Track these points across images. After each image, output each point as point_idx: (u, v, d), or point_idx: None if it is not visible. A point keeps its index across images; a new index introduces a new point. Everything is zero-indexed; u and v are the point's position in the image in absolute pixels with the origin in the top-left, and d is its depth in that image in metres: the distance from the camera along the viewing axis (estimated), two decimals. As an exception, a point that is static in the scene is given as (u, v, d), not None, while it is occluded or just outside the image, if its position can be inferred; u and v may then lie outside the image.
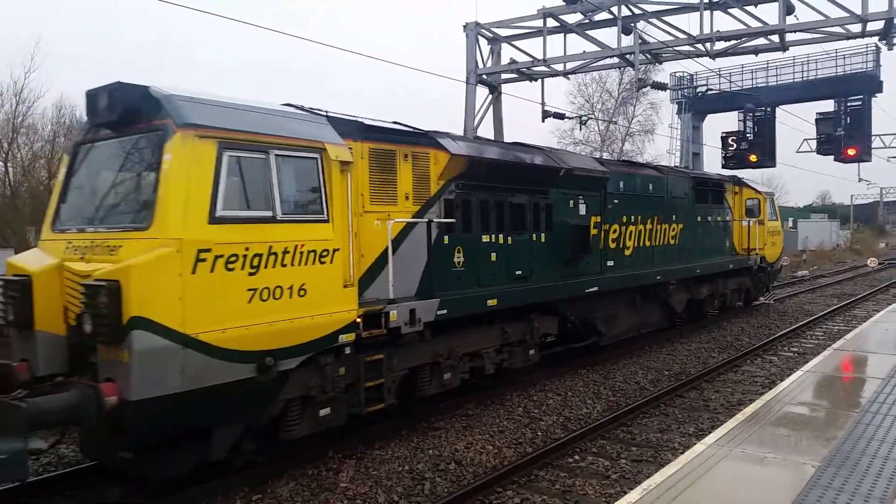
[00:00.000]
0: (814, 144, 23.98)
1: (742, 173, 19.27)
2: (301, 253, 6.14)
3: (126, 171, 6.15)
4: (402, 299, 7.35)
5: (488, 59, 18.76)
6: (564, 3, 16.14)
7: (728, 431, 5.67)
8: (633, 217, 12.22)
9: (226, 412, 5.77)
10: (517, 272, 9.32)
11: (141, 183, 5.93)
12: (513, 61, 18.54)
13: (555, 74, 18.64)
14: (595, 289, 10.84)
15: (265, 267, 5.81)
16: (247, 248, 5.69)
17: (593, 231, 10.95)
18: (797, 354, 12.27)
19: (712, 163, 30.00)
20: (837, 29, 15.23)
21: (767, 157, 23.74)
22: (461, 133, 17.64)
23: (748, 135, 22.93)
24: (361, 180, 7.07)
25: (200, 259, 5.37)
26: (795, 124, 26.68)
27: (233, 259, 5.60)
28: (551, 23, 17.12)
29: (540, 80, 18.85)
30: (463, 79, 18.48)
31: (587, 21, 17.04)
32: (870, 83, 22.91)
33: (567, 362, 10.99)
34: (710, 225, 15.33)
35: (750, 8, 15.38)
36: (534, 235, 9.72)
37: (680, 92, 26.64)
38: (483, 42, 18.57)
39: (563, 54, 17.77)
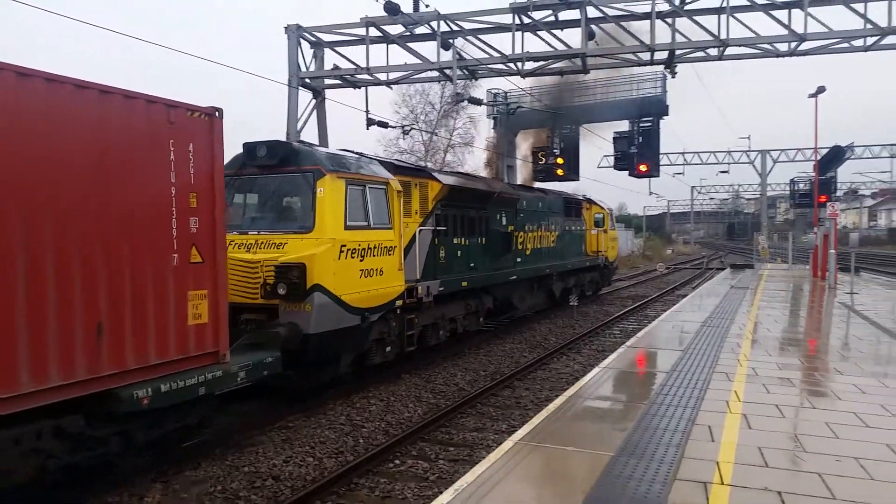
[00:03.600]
0: (612, 160, 26.31)
1: (550, 185, 20.85)
2: (381, 248, 9.92)
3: (286, 195, 9.55)
4: (418, 280, 11.12)
5: (311, 63, 18.47)
6: (386, 14, 16.30)
7: (534, 428, 6.01)
8: (531, 226, 16.94)
9: (347, 344, 9.38)
10: (471, 264, 13.46)
11: (302, 202, 9.30)
12: (336, 67, 18.40)
13: (378, 83, 18.77)
14: (514, 277, 15.47)
15: (366, 257, 9.54)
16: (358, 244, 9.37)
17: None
18: (597, 352, 13.37)
19: (525, 175, 31.97)
20: (630, 56, 16.87)
21: (572, 171, 25.71)
22: (284, 137, 17.19)
23: (556, 150, 24.67)
24: (396, 202, 10.75)
25: (341, 251, 9.04)
26: (597, 142, 29.18)
27: (353, 251, 9.27)
28: (374, 32, 17.23)
29: (364, 88, 18.89)
30: (285, 81, 18.02)
31: (408, 33, 17.35)
32: (658, 106, 25.57)
33: (391, 368, 11.08)
34: (574, 233, 20.61)
35: (557, 32, 16.56)
36: (480, 239, 13.90)
37: (495, 108, 27.98)
38: (306, 46, 18.26)
39: (385, 64, 17.96)
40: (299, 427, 8.26)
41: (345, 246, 9.06)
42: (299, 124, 18.24)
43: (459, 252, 12.96)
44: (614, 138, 24.24)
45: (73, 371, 5.25)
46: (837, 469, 4.90)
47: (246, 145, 9.63)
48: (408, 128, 24.06)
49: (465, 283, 12.87)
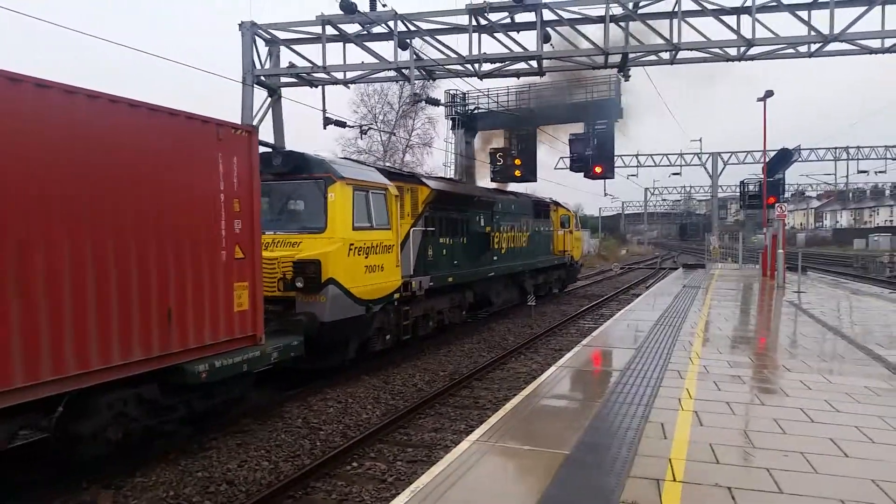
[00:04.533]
0: (568, 162, 26.65)
1: (510, 187, 21.05)
2: (382, 246, 11.11)
3: (301, 199, 10.52)
4: (412, 276, 12.51)
5: (266, 60, 18.22)
6: (343, 13, 16.19)
7: (491, 427, 6.04)
8: (505, 227, 18.19)
9: (354, 331, 10.64)
10: (455, 262, 14.68)
11: (314, 206, 10.29)
12: (292, 65, 18.18)
13: (335, 82, 18.62)
14: (492, 274, 16.88)
15: (370, 254, 10.73)
16: (363, 243, 10.56)
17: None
18: (554, 351, 13.51)
19: (482, 176, 32.09)
20: (585, 59, 17.10)
21: (530, 172, 25.95)
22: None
23: (513, 151, 24.85)
24: (392, 205, 11.93)
25: (350, 249, 10.22)
26: (554, 143, 29.49)
27: (359, 249, 10.46)
28: (330, 30, 17.09)
29: (321, 87, 18.72)
30: (239, 78, 17.74)
31: (365, 32, 17.25)
32: (612, 109, 26.03)
33: (350, 370, 11.01)
34: (543, 233, 21.91)
35: (513, 34, 16.67)
36: (462, 239, 15.17)
37: (453, 108, 28.06)
38: (261, 43, 18.00)
39: (342, 63, 17.83)
40: (255, 431, 8.13)
41: (353, 244, 10.34)
42: (254, 122, 17.97)
43: (445, 251, 14.32)
44: (570, 140, 24.58)
45: (150, 348, 6.38)
46: (785, 464, 5.05)
47: (262, 154, 9.95)
48: (366, 127, 23.96)
49: (450, 279, 14.27)
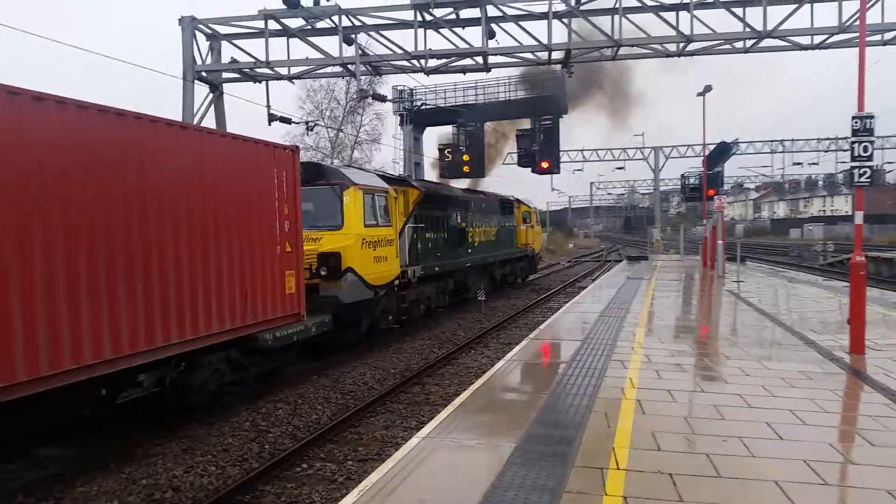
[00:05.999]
0: (516, 157, 26.89)
1: (458, 183, 21.17)
2: (385, 240, 13.15)
3: (320, 202, 12.22)
4: (406, 265, 14.52)
5: (207, 56, 17.82)
6: (286, 7, 15.95)
7: (441, 422, 6.07)
8: (478, 223, 20.50)
9: (366, 312, 12.68)
10: (437, 254, 16.74)
11: (332, 207, 12.19)
12: (234, 60, 17.84)
13: (279, 78, 18.35)
14: (469, 264, 19.11)
15: (377, 247, 12.71)
16: (372, 238, 12.56)
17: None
18: (504, 345, 13.65)
19: (432, 172, 32.08)
20: (529, 55, 17.29)
21: (478, 168, 26.08)
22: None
23: (461, 147, 24.94)
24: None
25: (363, 242, 12.22)
26: (502, 139, 29.69)
27: (370, 243, 12.46)
28: (273, 25, 16.83)
29: (264, 83, 18.42)
30: (179, 74, 17.31)
31: (309, 27, 17.06)
32: (557, 105, 26.40)
33: (300, 369, 10.89)
34: (508, 228, 24.24)
35: (458, 30, 16.75)
36: (444, 234, 17.38)
37: (401, 105, 27.99)
38: (202, 38, 17.60)
39: (286, 58, 17.58)
40: (201, 436, 7.97)
41: (364, 239, 12.36)
42: (195, 119, 17.57)
43: (430, 244, 16.41)
44: (517, 136, 24.83)
45: (234, 321, 8.46)
46: (723, 449, 5.23)
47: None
48: (312, 124, 23.67)
49: (436, 269, 16.42)
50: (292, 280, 9.71)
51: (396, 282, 13.76)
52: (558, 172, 26.78)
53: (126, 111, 6.94)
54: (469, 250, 19.36)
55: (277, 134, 42.10)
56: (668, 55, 16.77)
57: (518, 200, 26.30)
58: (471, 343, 13.81)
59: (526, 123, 25.83)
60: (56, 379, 6.06)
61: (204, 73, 17.80)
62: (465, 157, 25.16)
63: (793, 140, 51.01)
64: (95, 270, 6.46)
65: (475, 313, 18.30)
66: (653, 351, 9.24)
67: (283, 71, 18.07)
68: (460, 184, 24.73)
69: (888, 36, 16.32)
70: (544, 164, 23.61)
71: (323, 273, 11.57)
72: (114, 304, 6.64)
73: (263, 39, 17.04)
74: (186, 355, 7.79)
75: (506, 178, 42.52)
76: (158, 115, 7.48)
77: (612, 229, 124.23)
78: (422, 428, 6.11)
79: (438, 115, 28.02)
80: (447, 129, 28.76)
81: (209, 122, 18.17)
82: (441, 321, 16.98)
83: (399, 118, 27.99)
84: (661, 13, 16.10)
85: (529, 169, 24.38)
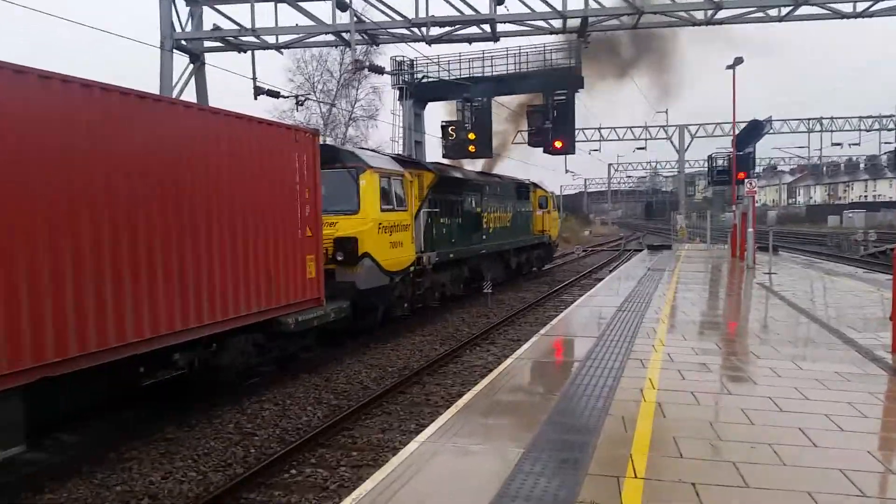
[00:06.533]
0: (526, 136, 26.79)
1: (462, 163, 21.15)
2: (401, 225, 14.01)
3: (336, 185, 12.76)
4: (422, 251, 15.36)
5: (187, 23, 17.76)
6: (274, -30, 15.89)
7: (442, 425, 6.08)
8: (493, 208, 21.23)
9: (382, 298, 13.44)
10: (452, 240, 17.53)
11: (348, 191, 12.96)
12: (216, 28, 17.79)
13: (266, 47, 18.29)
14: (484, 251, 19.97)
15: (393, 232, 13.57)
16: (388, 222, 13.43)
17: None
18: (512, 341, 13.67)
19: (434, 151, 31.94)
20: (542, 23, 17.19)
21: (485, 148, 25.98)
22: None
23: (467, 125, 24.84)
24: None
25: (378, 227, 13.04)
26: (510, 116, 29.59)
27: (385, 227, 13.31)
28: (260, -11, 16.76)
29: (250, 52, 18.36)
30: (156, 43, 17.26)
31: (300, -9, 16.98)
32: (572, 79, 26.21)
33: (288, 369, 10.93)
34: (524, 214, 25.23)
35: (464, -5, 16.65)
36: (458, 219, 18.19)
37: (401, 77, 27.86)
38: (181, 4, 17.54)
39: (274, 25, 17.51)
40: (181, 438, 8.01)
41: (381, 224, 13.12)
42: (174, 92, 17.53)
43: (445, 230, 17.18)
44: (528, 112, 24.66)
45: (260, 303, 9.35)
46: (752, 456, 5.23)
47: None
48: (303, 98, 23.65)
49: (451, 255, 17.18)
50: (312, 265, 10.54)
51: (412, 268, 14.67)
52: (573, 153, 26.65)
53: (173, 100, 8.55)
54: (484, 236, 20.24)
55: (264, 109, 41.92)
56: (695, 24, 16.67)
57: (534, 184, 27.20)
58: (476, 339, 13.83)
59: (538, 99, 25.67)
60: (104, 355, 6.87)
61: (183, 42, 17.75)
62: (471, 136, 25.01)
63: (832, 118, 50.79)
64: (138, 254, 7.32)
65: (481, 307, 18.31)
66: (675, 349, 9.24)
67: (271, 39, 18.01)
68: (469, 166, 24.86)
69: (939, 3, 16.17)
70: (558, 144, 23.48)
71: (339, 258, 12.33)
72: (153, 285, 7.51)
73: (249, 4, 16.96)
74: (217, 336, 8.74)
75: (515, 159, 42.43)
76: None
77: (631, 215, 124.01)
78: (421, 431, 6.12)
79: (441, 89, 27.85)
80: (451, 106, 28.65)
81: (189, 95, 18.16)
82: (443, 315, 17.01)
83: (398, 92, 27.78)
84: (687, -23, 15.98)
85: (541, 149, 24.27)
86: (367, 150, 16.09)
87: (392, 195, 13.72)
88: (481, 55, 28.02)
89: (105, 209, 6.89)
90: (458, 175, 18.78)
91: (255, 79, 18.25)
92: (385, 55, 33.44)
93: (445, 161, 24.01)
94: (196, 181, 8.10)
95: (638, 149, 54.79)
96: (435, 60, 27.04)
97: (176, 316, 7.77)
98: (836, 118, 50.66)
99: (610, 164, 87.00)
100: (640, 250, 37.72)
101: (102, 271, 6.81)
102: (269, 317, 9.57)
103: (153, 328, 7.45)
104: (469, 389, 7.83)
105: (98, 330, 6.75)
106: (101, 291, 6.79)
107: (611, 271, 26.53)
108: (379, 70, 20.86)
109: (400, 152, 26.03)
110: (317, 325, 10.67)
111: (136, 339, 7.23)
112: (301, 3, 17.20)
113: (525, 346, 9.84)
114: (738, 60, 26.28)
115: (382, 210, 13.28)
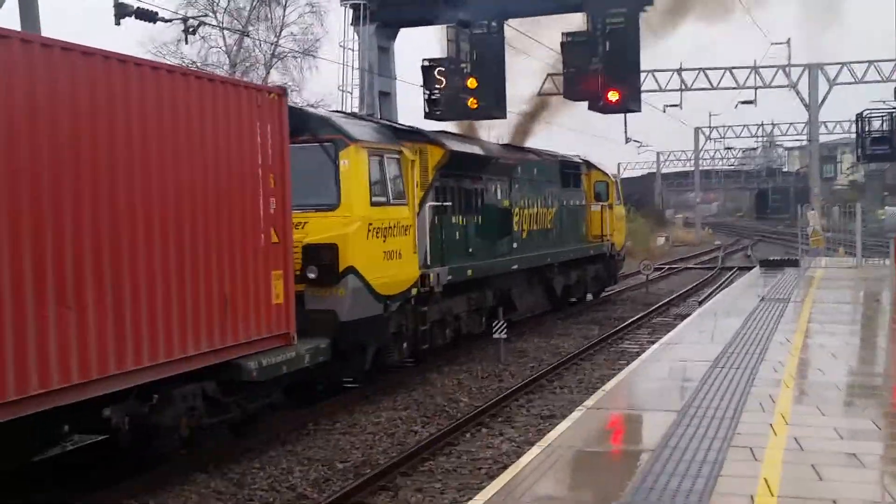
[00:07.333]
0: (561, 83, 26.74)
1: (453, 126, 21.10)
2: (399, 227, 14.58)
3: (303, 168, 12.69)
4: (427, 266, 15.87)
5: None
6: None
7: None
8: (527, 201, 21.93)
9: (372, 335, 14.07)
10: (469, 249, 18.18)
11: (322, 176, 13.58)
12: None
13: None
14: (515, 266, 20.56)
15: (387, 237, 14.18)
16: (381, 223, 13.98)
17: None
18: (539, 418, 13.61)
19: (410, 110, 31.21)
20: None
21: (494, 103, 25.74)
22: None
23: (464, 65, 24.62)
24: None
25: (368, 229, 13.65)
26: (533, 51, 29.55)
27: (378, 230, 13.93)
28: None
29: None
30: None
31: None
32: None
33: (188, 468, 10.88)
34: (573, 209, 25.74)
35: None
36: (478, 217, 19.11)
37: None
38: None
39: None
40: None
41: (371, 224, 13.53)
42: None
43: (458, 234, 17.86)
44: (562, 44, 24.48)
45: (212, 339, 9.86)
46: None
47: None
48: (197, 23, 23.66)
49: (469, 272, 17.84)
50: (280, 284, 11.02)
51: (414, 291, 15.12)
52: (638, 110, 26.70)
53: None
54: (515, 244, 20.73)
55: (133, 40, 41.62)
56: None
57: (587, 162, 27.36)
58: (481, 414, 13.74)
59: (579, 24, 25.51)
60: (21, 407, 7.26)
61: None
62: (472, 83, 24.74)
63: None
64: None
65: (489, 362, 18.22)
66: (808, 432, 9.19)
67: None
68: (483, 135, 24.88)
69: None
70: (612, 95, 23.52)
71: (311, 276, 12.61)
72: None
73: None
74: (158, 384, 9.17)
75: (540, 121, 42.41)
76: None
77: (734, 211, 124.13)
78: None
79: (420, 8, 27.66)
80: (440, 33, 28.41)
81: (10, 20, 18.14)
82: (428, 375, 16.89)
83: (351, 12, 27.55)
84: None
85: (585, 103, 24.32)
86: (344, 113, 16.26)
87: (386, 182, 14.06)
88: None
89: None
90: (477, 150, 19.18)
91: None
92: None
93: (437, 126, 23.64)
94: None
95: (743, 103, 54.92)
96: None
97: (109, 355, 8.18)
98: None
99: (698, 129, 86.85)
100: (749, 268, 37.73)
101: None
102: (225, 358, 10.04)
103: (82, 372, 7.85)
104: (468, 500, 7.75)
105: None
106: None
107: (700, 303, 26.54)
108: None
109: (356, 109, 25.96)
110: (287, 371, 11.12)
111: (62, 385, 7.61)
112: None
113: (561, 427, 9.78)
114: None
115: (373, 204, 13.64)
